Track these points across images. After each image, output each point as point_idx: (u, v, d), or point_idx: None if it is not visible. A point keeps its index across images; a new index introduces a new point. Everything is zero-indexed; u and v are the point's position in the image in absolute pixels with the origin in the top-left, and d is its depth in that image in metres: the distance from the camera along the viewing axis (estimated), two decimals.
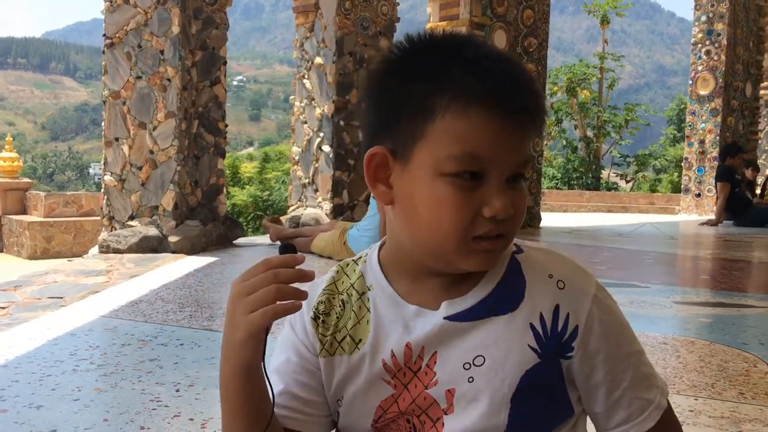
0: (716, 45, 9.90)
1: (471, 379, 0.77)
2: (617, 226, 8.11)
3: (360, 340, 0.82)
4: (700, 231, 7.74)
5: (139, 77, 4.45)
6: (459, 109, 0.72)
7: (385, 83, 0.77)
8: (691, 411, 1.65)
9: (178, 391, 1.74)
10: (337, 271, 0.87)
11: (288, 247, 0.78)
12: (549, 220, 7.97)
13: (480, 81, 0.72)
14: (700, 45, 10.05)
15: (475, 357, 0.77)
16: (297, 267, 0.75)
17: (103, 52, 4.57)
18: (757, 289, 3.86)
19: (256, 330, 0.74)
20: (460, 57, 0.74)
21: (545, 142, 17.31)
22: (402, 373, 0.80)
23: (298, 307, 0.75)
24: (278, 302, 0.73)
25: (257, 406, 0.79)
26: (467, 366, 0.77)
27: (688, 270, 4.87)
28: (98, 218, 5.41)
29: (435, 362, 0.79)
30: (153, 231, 4.34)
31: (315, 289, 0.86)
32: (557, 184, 21.52)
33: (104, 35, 4.55)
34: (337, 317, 0.83)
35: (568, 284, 0.78)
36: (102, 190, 4.62)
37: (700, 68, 10.06)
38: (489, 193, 0.73)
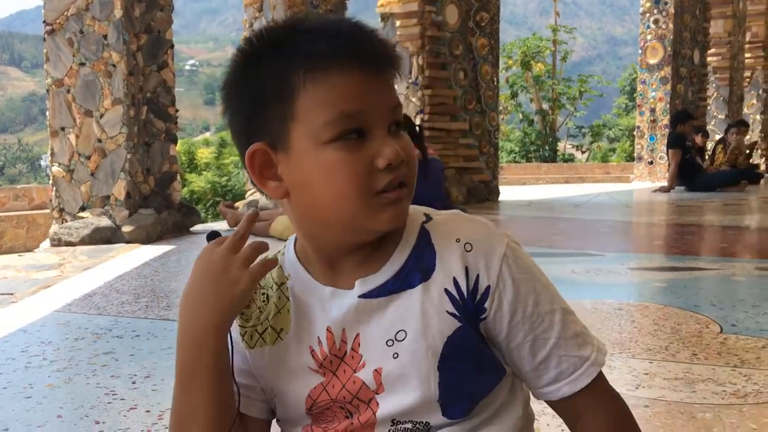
0: (664, 14, 10.05)
1: (396, 355, 0.76)
2: (574, 197, 8.23)
3: (281, 329, 0.81)
4: (654, 198, 7.91)
5: (82, 64, 4.32)
6: (317, 77, 0.72)
7: (239, 84, 0.77)
8: (646, 374, 1.68)
9: (134, 383, 1.70)
10: None
11: (214, 234, 0.82)
12: (507, 193, 8.04)
13: (327, 43, 0.73)
14: (648, 14, 10.19)
15: (397, 332, 0.77)
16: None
17: (44, 40, 4.41)
18: (709, 252, 3.96)
19: (256, 281, 0.78)
20: (302, 31, 0.74)
21: (501, 117, 17.42)
22: (329, 361, 0.79)
23: (275, 263, 0.81)
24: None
25: (231, 390, 0.80)
26: (390, 342, 0.77)
27: (643, 237, 4.97)
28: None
29: (359, 344, 0.78)
30: (105, 221, 4.24)
31: None
32: (515, 157, 21.75)
33: (44, 22, 4.40)
34: (260, 311, 0.82)
35: (475, 245, 0.77)
36: (50, 181, 4.50)
37: (649, 37, 10.21)
38: (376, 146, 0.73)
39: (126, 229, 4.21)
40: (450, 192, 6.31)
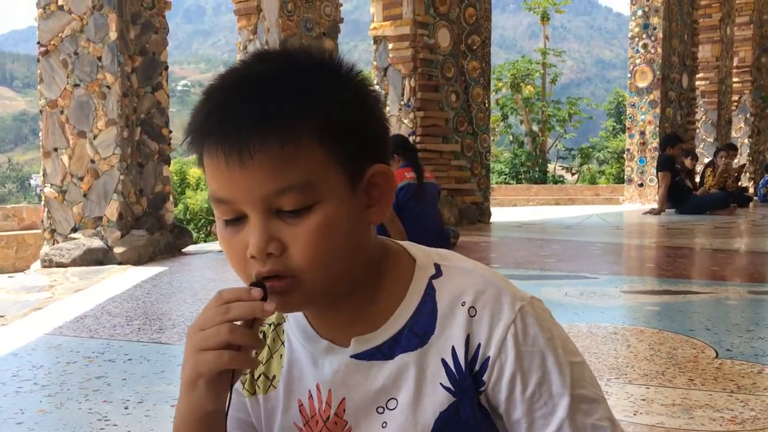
0: (653, 38, 10.17)
1: (384, 425, 0.71)
2: (565, 219, 8.26)
3: (274, 376, 0.76)
4: (644, 220, 7.94)
5: (76, 85, 4.32)
6: (204, 150, 0.67)
7: None
8: (644, 400, 1.67)
9: (126, 408, 1.68)
10: None
11: (258, 283, 0.67)
12: (499, 215, 8.06)
13: (194, 120, 0.68)
14: (637, 39, 10.31)
15: (388, 400, 0.71)
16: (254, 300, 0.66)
17: (38, 60, 4.42)
18: (701, 275, 3.97)
19: (207, 372, 0.66)
20: (209, 91, 0.69)
21: (492, 138, 17.51)
22: (314, 420, 0.74)
23: (250, 363, 0.68)
24: (231, 347, 0.65)
25: None
26: (380, 410, 0.71)
27: (635, 259, 4.98)
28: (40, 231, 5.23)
29: (344, 410, 0.73)
30: (97, 243, 4.22)
31: None
32: (506, 179, 21.84)
33: (38, 43, 4.40)
34: (255, 353, 0.73)
35: (480, 311, 0.69)
36: (42, 202, 4.47)
37: (638, 61, 10.33)
38: (249, 232, 0.66)
39: (118, 250, 4.18)
40: (442, 213, 6.32)
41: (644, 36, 10.23)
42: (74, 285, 3.56)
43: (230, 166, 0.64)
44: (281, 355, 0.76)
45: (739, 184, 10.35)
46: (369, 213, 0.69)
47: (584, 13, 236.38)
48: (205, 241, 11.19)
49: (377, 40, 6.76)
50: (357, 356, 0.72)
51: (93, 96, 4.28)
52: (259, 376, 0.77)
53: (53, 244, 4.32)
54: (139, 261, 4.20)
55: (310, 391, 0.74)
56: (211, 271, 3.97)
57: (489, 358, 0.68)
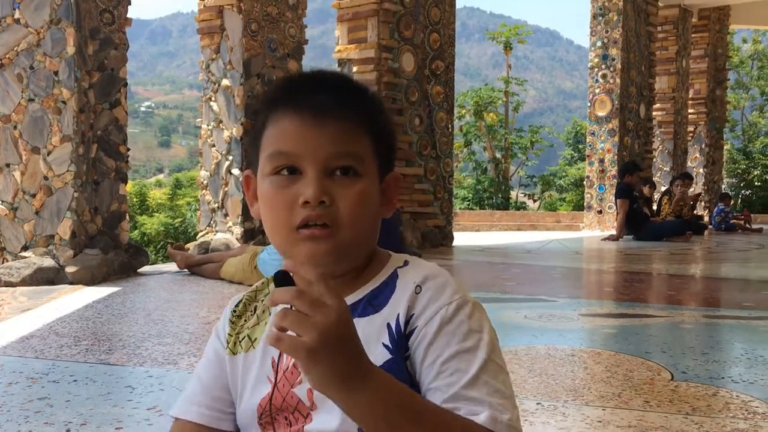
0: (611, 69, 10.42)
1: None
2: (526, 244, 8.32)
3: (255, 338, 0.88)
4: (603, 246, 8.05)
5: (31, 100, 4.21)
6: (272, 117, 0.83)
7: (253, 126, 0.89)
8: (600, 422, 1.66)
9: (68, 431, 1.61)
10: (263, 282, 0.95)
11: (282, 277, 0.69)
12: (461, 239, 8.09)
13: (282, 88, 0.84)
14: (596, 69, 10.56)
15: None
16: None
17: None
18: (657, 300, 4.02)
19: None
20: (285, 79, 0.86)
21: (455, 164, 17.68)
22: (281, 370, 0.84)
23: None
24: None
25: None
26: None
27: (593, 283, 5.03)
28: None
29: None
30: (49, 261, 4.09)
31: (240, 294, 0.95)
32: (469, 204, 21.99)
33: None
34: (245, 320, 0.90)
35: (425, 290, 0.81)
36: None
37: (597, 91, 10.56)
38: (303, 184, 0.79)
39: (70, 269, 4.06)
40: (405, 236, 6.31)
41: (603, 66, 10.48)
42: (22, 305, 3.43)
43: (305, 126, 0.79)
44: (266, 323, 0.88)
45: (695, 212, 10.60)
46: (381, 208, 0.86)
47: (546, 44, 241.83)
48: (164, 262, 10.99)
49: (341, 62, 6.79)
50: None
51: (48, 111, 4.18)
52: (244, 337, 0.89)
53: (2, 262, 4.18)
54: (92, 281, 4.08)
55: None
56: (167, 292, 3.88)
57: (417, 327, 0.79)
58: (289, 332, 0.65)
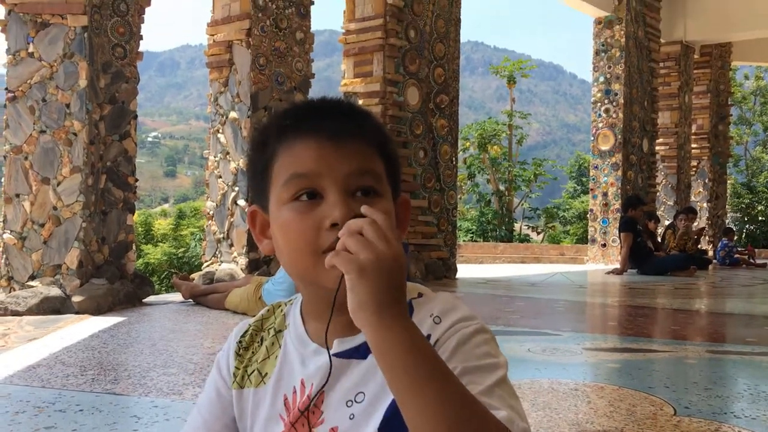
0: (614, 104, 10.52)
1: (352, 416, 0.79)
2: (530, 276, 8.32)
3: (266, 374, 0.86)
4: (607, 279, 8.05)
5: (43, 131, 4.29)
6: (283, 144, 0.81)
7: (250, 157, 0.88)
8: None
9: None
10: (269, 310, 0.93)
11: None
12: (465, 271, 8.09)
13: (293, 115, 0.83)
14: (599, 104, 10.66)
15: (357, 394, 0.80)
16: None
17: (5, 107, 4.38)
18: (661, 335, 4.02)
19: None
20: (290, 108, 0.85)
21: (459, 196, 17.74)
22: (296, 411, 0.83)
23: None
24: None
25: None
26: (349, 403, 0.80)
27: (597, 317, 5.03)
28: None
29: (322, 401, 0.81)
30: (55, 291, 4.12)
31: (244, 324, 0.93)
32: (472, 236, 22.00)
33: (6, 89, 4.38)
34: (253, 352, 0.89)
35: (443, 319, 0.79)
36: (0, 249, 4.37)
37: (600, 125, 10.64)
38: (328, 207, 0.77)
39: (76, 299, 4.09)
40: (408, 269, 6.32)
41: (606, 101, 10.58)
42: (28, 334, 3.46)
43: (323, 147, 0.78)
44: (276, 357, 0.87)
45: (699, 246, 10.59)
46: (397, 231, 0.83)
47: (549, 78, 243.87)
48: (167, 292, 11.00)
49: (347, 96, 6.88)
50: (338, 355, 0.81)
51: (59, 143, 4.26)
52: (253, 371, 0.88)
53: (9, 291, 4.21)
54: (97, 310, 4.11)
55: (294, 386, 0.83)
56: (171, 322, 3.90)
57: (435, 347, 0.76)
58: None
